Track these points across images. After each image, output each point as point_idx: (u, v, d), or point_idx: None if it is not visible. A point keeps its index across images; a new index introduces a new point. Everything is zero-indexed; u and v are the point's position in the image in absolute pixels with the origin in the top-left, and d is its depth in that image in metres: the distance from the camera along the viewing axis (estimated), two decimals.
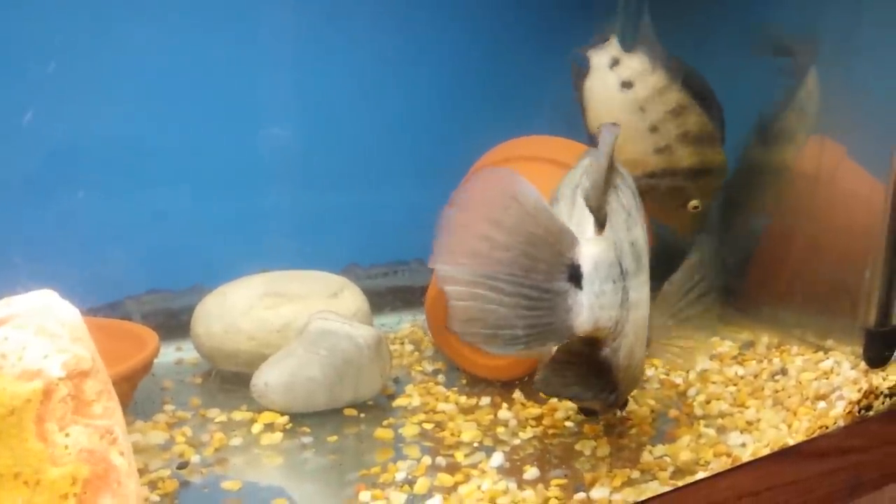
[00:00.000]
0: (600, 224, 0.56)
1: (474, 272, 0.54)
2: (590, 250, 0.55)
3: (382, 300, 1.00)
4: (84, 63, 0.80)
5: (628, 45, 0.90)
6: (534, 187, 0.54)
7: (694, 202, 0.91)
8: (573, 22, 1.04)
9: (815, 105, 0.89)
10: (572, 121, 0.93)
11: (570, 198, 0.60)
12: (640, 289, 0.59)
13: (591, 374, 0.58)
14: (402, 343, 0.92)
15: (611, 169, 0.58)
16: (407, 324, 0.99)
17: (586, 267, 0.55)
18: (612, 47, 0.89)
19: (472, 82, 1.03)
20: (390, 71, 0.98)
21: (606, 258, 0.56)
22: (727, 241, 0.99)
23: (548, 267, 0.54)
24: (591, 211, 0.56)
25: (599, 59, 0.89)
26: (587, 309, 0.54)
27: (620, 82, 0.89)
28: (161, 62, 0.84)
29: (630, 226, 0.60)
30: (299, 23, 0.92)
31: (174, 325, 0.87)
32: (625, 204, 0.60)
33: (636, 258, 0.59)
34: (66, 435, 0.43)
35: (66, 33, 0.79)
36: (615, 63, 0.89)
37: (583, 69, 0.90)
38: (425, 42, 1.00)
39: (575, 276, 0.54)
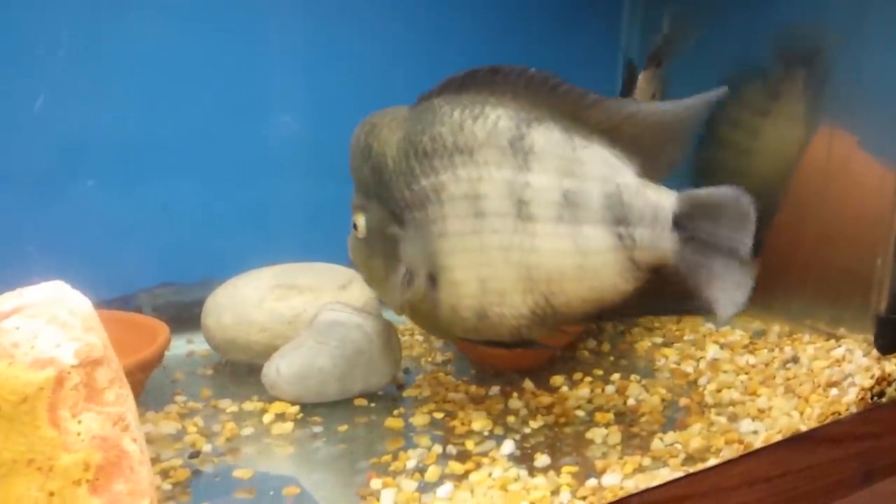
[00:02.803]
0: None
1: None
2: None
3: None
4: (93, 58, 0.81)
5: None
6: None
7: None
8: (582, 16, 1.04)
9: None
10: None
11: (508, 149, 0.61)
12: None
13: None
14: (412, 334, 0.92)
15: None
16: None
17: None
18: (659, 78, 0.96)
19: None
20: (397, 64, 0.98)
21: None
22: None
23: None
24: None
25: (650, 87, 0.95)
26: None
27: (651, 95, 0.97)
28: (170, 55, 0.85)
29: None
30: (308, 14, 0.92)
31: (185, 317, 0.87)
32: None
33: None
34: (79, 422, 0.43)
35: (74, 28, 0.79)
36: (654, 95, 0.96)
37: (634, 75, 0.97)
38: (433, 35, 1.00)
39: None
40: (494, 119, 0.62)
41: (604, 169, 0.60)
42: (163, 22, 0.84)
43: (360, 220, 0.70)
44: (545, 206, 0.60)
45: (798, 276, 0.90)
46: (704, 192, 0.59)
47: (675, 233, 0.59)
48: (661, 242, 0.59)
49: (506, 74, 0.63)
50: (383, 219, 0.68)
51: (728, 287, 0.58)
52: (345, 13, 0.93)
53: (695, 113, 0.60)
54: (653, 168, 0.60)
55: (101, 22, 0.81)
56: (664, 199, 0.59)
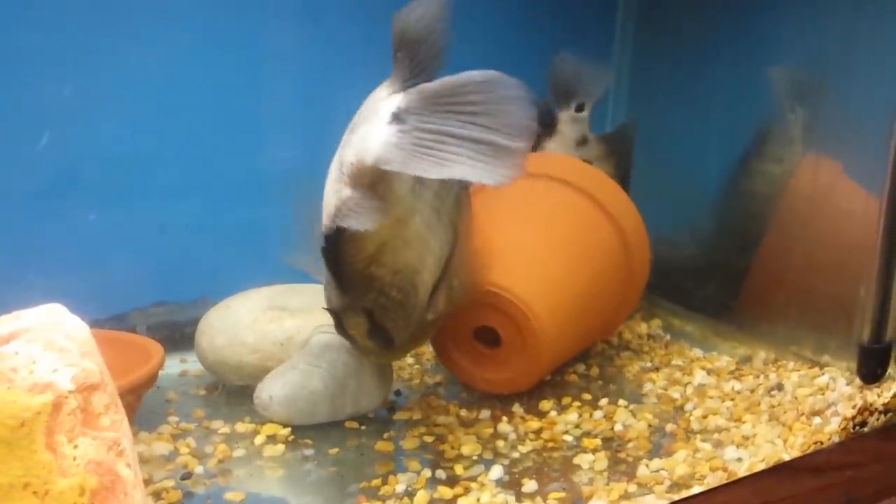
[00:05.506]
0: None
1: None
2: None
3: None
4: (87, 78, 0.81)
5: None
6: None
7: None
8: (568, 26, 1.05)
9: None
10: None
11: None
12: None
13: None
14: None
15: None
16: None
17: None
18: (585, 124, 0.96)
19: None
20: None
21: None
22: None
23: None
24: None
25: (570, 132, 0.96)
26: None
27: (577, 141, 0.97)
28: (164, 75, 0.85)
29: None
30: (302, 30, 0.92)
31: (179, 337, 0.88)
32: None
33: None
34: (75, 447, 0.44)
35: (68, 48, 0.80)
36: (583, 142, 0.97)
37: (546, 129, 0.95)
38: None
39: None
40: None
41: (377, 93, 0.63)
42: (159, 41, 0.85)
43: None
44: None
45: (784, 302, 0.91)
46: (441, 80, 0.56)
47: (392, 125, 0.56)
48: (372, 135, 0.57)
49: None
50: None
51: (471, 167, 0.54)
52: (343, 35, 0.94)
53: (433, 25, 0.61)
54: None
55: (93, 43, 0.81)
56: (385, 95, 0.59)
